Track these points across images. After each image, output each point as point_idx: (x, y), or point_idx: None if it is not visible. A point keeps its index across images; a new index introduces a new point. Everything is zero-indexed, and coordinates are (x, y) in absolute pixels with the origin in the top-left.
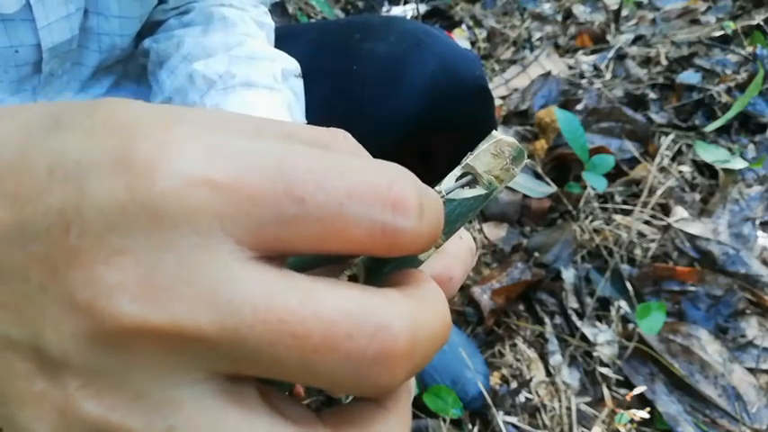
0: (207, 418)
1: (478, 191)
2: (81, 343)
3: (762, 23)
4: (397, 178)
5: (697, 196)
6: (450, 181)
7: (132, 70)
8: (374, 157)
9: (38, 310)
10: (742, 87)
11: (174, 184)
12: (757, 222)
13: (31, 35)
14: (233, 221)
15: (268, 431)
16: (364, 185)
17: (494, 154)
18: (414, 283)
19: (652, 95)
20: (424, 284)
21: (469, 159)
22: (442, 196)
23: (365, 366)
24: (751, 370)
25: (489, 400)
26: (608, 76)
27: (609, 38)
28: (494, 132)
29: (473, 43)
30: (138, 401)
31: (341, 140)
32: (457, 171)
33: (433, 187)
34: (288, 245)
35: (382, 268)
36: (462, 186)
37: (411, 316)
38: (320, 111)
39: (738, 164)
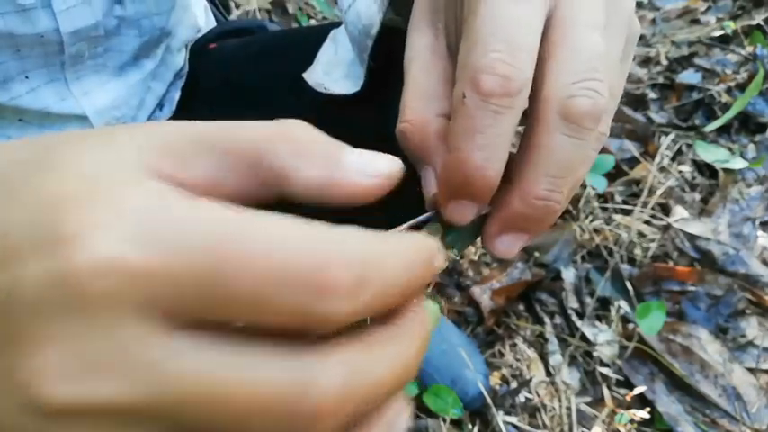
0: None
1: (489, 208)
2: (25, 414)
3: (762, 23)
4: (330, 255)
5: (697, 196)
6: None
7: (171, 60)
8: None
9: None
10: (742, 87)
11: (96, 269)
12: (757, 222)
13: (51, 20)
14: (156, 303)
15: None
16: (291, 270)
17: None
18: (393, 316)
19: (652, 95)
20: (398, 321)
21: None
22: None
23: (297, 423)
24: (751, 370)
25: (489, 400)
26: None
27: None
28: None
29: None
30: None
31: (284, 145)
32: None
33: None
34: (214, 319)
35: None
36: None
37: (345, 370)
38: None
39: (738, 164)
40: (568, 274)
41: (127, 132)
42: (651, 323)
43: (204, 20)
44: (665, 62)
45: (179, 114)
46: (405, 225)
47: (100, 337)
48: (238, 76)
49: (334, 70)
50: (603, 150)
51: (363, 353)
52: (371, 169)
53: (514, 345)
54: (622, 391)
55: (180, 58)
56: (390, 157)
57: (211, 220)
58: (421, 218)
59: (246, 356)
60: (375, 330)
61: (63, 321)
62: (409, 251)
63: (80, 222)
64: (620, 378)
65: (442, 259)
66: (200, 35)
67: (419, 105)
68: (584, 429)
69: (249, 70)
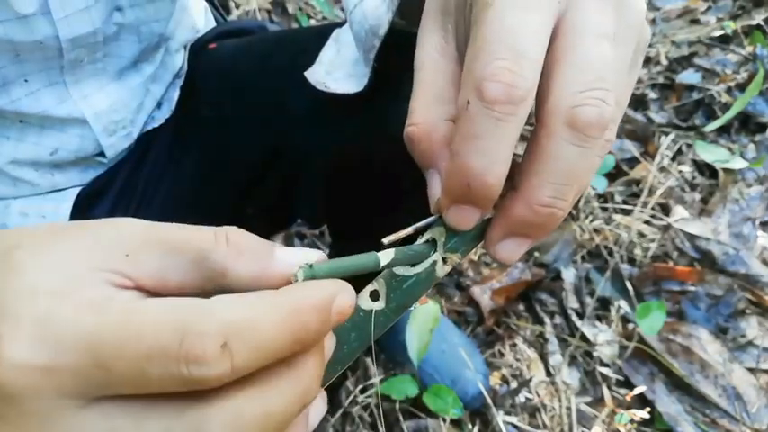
0: None
1: (492, 213)
2: None
3: (762, 23)
4: (191, 329)
5: (697, 196)
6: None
7: (170, 62)
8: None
9: None
10: (742, 87)
11: (10, 373)
12: (757, 222)
13: (50, 27)
14: (64, 390)
15: None
16: (158, 346)
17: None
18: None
19: (652, 95)
20: (291, 361)
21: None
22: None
23: None
24: (751, 370)
25: (489, 400)
26: None
27: None
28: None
29: None
30: None
31: (222, 245)
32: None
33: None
34: (115, 394)
35: (402, 284)
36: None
37: (229, 415)
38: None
39: (738, 164)
40: (568, 274)
41: (93, 236)
42: (651, 323)
43: (203, 20)
44: (665, 62)
45: (178, 114)
46: (409, 228)
47: (33, 419)
48: (238, 75)
49: (337, 70)
50: None
51: (249, 396)
52: (297, 262)
53: (514, 345)
54: (622, 391)
55: (179, 59)
56: (316, 251)
57: (94, 323)
58: (425, 222)
59: (145, 418)
60: (265, 373)
61: (8, 408)
62: (289, 307)
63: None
64: (620, 378)
65: (347, 300)
66: (199, 35)
67: (426, 109)
68: (584, 429)
69: (249, 70)
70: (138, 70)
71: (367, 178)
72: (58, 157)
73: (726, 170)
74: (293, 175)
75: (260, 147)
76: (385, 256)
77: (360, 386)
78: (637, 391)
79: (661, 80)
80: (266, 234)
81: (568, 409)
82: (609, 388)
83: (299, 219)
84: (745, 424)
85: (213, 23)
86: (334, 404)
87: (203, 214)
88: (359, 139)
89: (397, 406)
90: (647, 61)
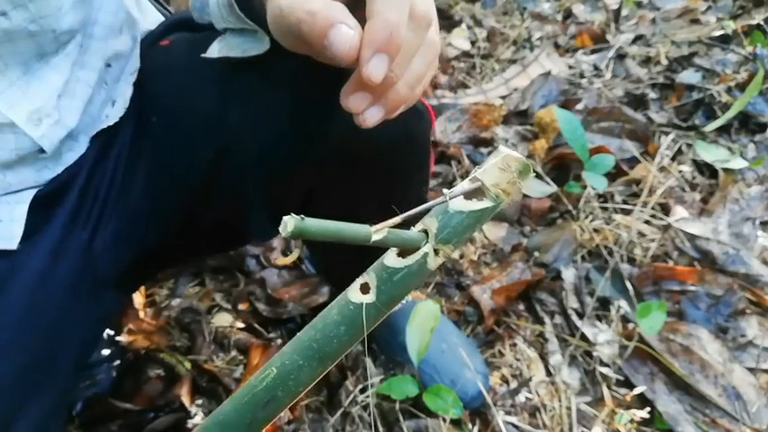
0: None
1: (486, 203)
2: None
3: (762, 23)
4: None
5: (697, 196)
6: (459, 192)
7: (95, 47)
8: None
9: None
10: (742, 87)
11: None
12: (757, 222)
13: None
14: None
15: None
16: None
17: (501, 168)
18: None
19: (652, 95)
20: None
21: (478, 173)
22: (445, 201)
23: None
24: (751, 370)
25: (489, 400)
26: (608, 75)
27: (609, 37)
28: (501, 148)
29: (473, 43)
30: None
31: None
32: (465, 184)
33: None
34: None
35: (393, 277)
36: (470, 198)
37: None
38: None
39: (738, 163)
40: (568, 274)
41: None
42: (651, 323)
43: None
44: (665, 62)
45: (133, 114)
46: (397, 218)
47: None
48: (180, 73)
49: (232, 51)
50: (603, 150)
51: None
52: None
53: (514, 345)
54: (622, 390)
55: (118, 44)
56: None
57: None
58: (413, 211)
59: None
60: None
61: None
62: None
63: None
64: (620, 378)
65: None
66: (137, 17)
67: None
68: (584, 429)
69: (191, 68)
70: (47, 62)
71: (316, 179)
72: (1, 157)
73: (726, 170)
74: (240, 181)
75: (204, 152)
76: (377, 234)
77: (360, 386)
78: (637, 390)
79: (661, 80)
80: (229, 248)
81: (568, 408)
82: (609, 388)
83: (257, 233)
84: (745, 424)
85: (158, 14)
86: (333, 404)
87: (157, 223)
88: (297, 141)
89: (397, 406)
90: (647, 61)
